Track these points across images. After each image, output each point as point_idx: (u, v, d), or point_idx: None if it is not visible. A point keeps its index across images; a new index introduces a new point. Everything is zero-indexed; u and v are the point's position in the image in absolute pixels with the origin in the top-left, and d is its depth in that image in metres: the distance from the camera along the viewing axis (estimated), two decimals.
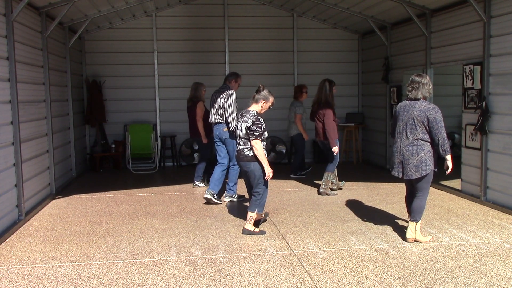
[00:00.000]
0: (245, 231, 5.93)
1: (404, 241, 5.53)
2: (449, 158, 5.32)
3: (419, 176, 5.30)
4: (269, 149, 11.79)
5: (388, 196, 8.01)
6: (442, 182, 8.66)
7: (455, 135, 12.00)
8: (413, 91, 5.35)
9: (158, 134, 11.63)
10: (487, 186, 7.25)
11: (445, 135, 5.23)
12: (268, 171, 5.80)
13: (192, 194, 8.27)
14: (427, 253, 5.14)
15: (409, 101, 5.41)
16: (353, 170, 10.84)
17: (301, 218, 6.64)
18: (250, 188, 6.08)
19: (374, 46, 11.38)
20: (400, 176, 5.44)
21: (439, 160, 5.46)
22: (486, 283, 4.36)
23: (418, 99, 5.35)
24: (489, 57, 7.14)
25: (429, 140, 5.29)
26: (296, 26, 11.97)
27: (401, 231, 5.91)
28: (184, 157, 11.61)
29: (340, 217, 6.64)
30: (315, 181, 9.19)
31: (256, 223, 6.10)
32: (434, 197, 7.85)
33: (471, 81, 7.55)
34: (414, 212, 5.50)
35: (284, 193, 8.35)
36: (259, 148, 5.76)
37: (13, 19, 6.45)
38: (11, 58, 6.42)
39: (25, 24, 7.18)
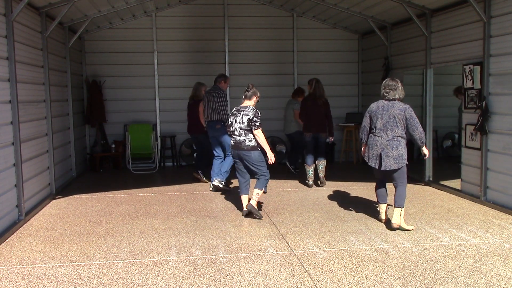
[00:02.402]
0: (250, 206, 6.57)
1: (404, 241, 5.54)
2: (424, 147, 6.17)
3: (396, 168, 5.96)
4: None
5: (388, 196, 7.99)
6: (442, 182, 8.66)
7: (455, 135, 12.01)
8: (391, 92, 6.05)
9: (158, 134, 11.63)
10: (487, 186, 7.25)
11: (421, 129, 5.97)
12: (271, 156, 6.55)
13: (192, 194, 8.27)
14: (427, 253, 5.14)
15: (387, 101, 6.05)
16: (353, 170, 10.84)
17: (301, 218, 6.65)
18: (249, 172, 6.77)
19: (374, 46, 11.38)
20: (377, 167, 6.08)
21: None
22: (486, 283, 4.36)
23: (395, 100, 6.03)
24: (489, 57, 7.14)
25: (405, 137, 6.01)
26: (296, 26, 11.97)
27: (401, 231, 5.92)
28: (184, 157, 11.61)
29: (340, 217, 6.64)
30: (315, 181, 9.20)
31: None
32: (434, 197, 7.85)
33: (471, 81, 7.55)
34: (398, 199, 6.06)
35: (284, 193, 8.35)
36: (261, 136, 6.51)
37: (13, 19, 6.45)
38: (11, 58, 6.41)
39: (25, 24, 7.18)
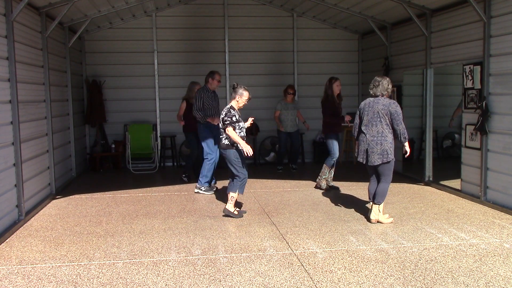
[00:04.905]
0: (226, 211, 6.64)
1: (404, 241, 5.54)
2: (406, 144, 6.23)
3: (381, 163, 6.12)
4: (269, 149, 11.82)
5: (387, 196, 7.96)
6: (442, 182, 8.67)
7: (455, 135, 12.01)
8: (373, 88, 6.23)
9: (158, 134, 11.62)
10: (487, 186, 7.25)
11: (403, 125, 6.08)
12: (246, 148, 6.39)
13: (192, 194, 8.27)
14: (427, 253, 5.14)
15: (373, 98, 6.23)
16: (353, 170, 10.84)
17: (301, 218, 6.65)
18: (231, 172, 6.74)
19: (374, 46, 11.38)
20: (364, 162, 6.27)
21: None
22: (486, 283, 4.36)
23: (378, 96, 6.18)
24: (489, 57, 7.14)
25: (391, 131, 6.12)
26: (296, 26, 11.97)
27: (401, 231, 5.93)
28: (184, 157, 11.60)
29: (340, 217, 6.64)
30: (315, 182, 9.20)
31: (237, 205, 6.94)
32: (434, 197, 7.85)
33: (471, 81, 7.55)
34: (377, 195, 6.25)
35: (284, 193, 8.35)
36: (231, 132, 6.46)
37: (13, 19, 6.45)
38: (11, 58, 6.41)
39: (25, 24, 7.18)
